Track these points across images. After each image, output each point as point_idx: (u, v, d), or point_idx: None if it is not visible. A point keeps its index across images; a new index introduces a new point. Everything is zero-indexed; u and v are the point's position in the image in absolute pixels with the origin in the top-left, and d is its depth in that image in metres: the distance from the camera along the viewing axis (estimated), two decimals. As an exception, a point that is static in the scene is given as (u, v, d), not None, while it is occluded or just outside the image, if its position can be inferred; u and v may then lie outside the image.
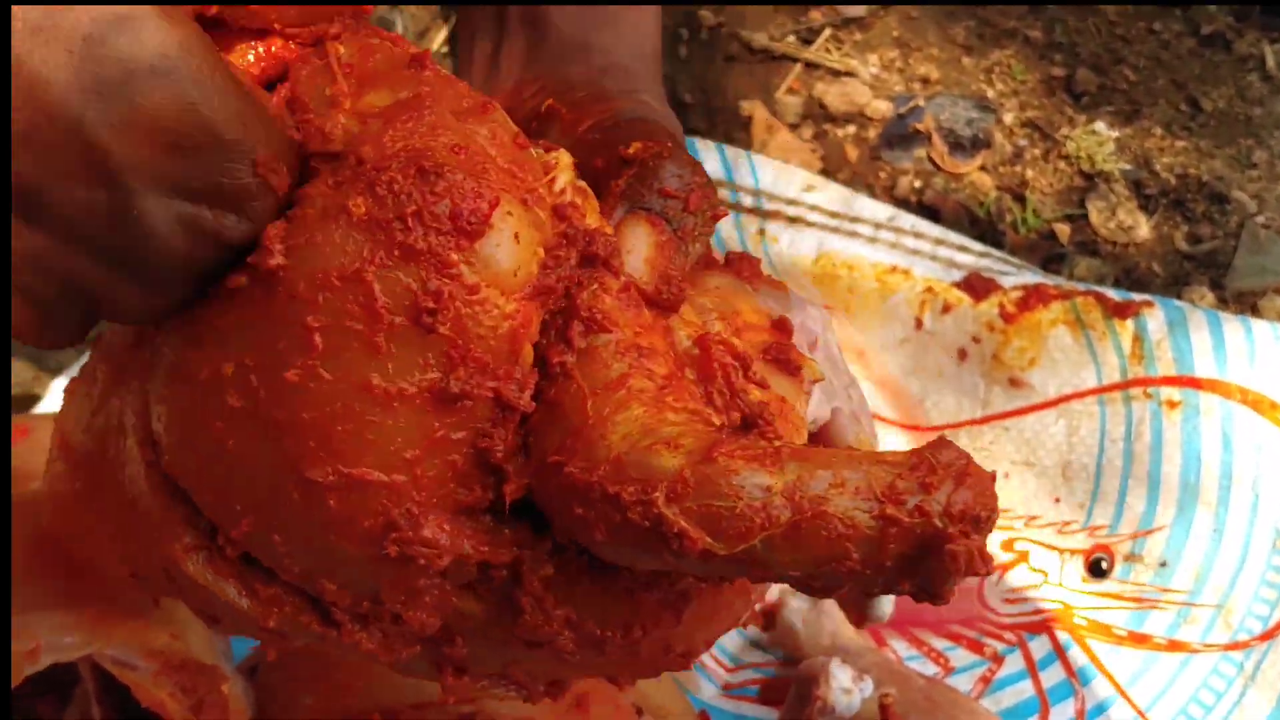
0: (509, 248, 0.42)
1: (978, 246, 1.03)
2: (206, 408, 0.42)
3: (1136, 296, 0.97)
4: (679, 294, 0.47)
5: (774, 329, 0.50)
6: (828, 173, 1.17)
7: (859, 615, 0.91)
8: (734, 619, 0.48)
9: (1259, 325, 0.96)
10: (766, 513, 0.38)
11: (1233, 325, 0.96)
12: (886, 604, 0.82)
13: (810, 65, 1.24)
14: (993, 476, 0.37)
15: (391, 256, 0.40)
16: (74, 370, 0.97)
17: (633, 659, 0.46)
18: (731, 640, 0.93)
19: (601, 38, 0.73)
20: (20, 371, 1.10)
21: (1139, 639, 0.91)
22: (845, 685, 0.80)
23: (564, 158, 0.47)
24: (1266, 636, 0.90)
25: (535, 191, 0.44)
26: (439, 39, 1.33)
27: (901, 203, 1.16)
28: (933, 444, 0.38)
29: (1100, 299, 0.97)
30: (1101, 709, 0.89)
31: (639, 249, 0.47)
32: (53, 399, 0.98)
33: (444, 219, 0.41)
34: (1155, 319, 0.96)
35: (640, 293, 0.45)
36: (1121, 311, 0.96)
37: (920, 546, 0.37)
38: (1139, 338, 0.96)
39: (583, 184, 0.48)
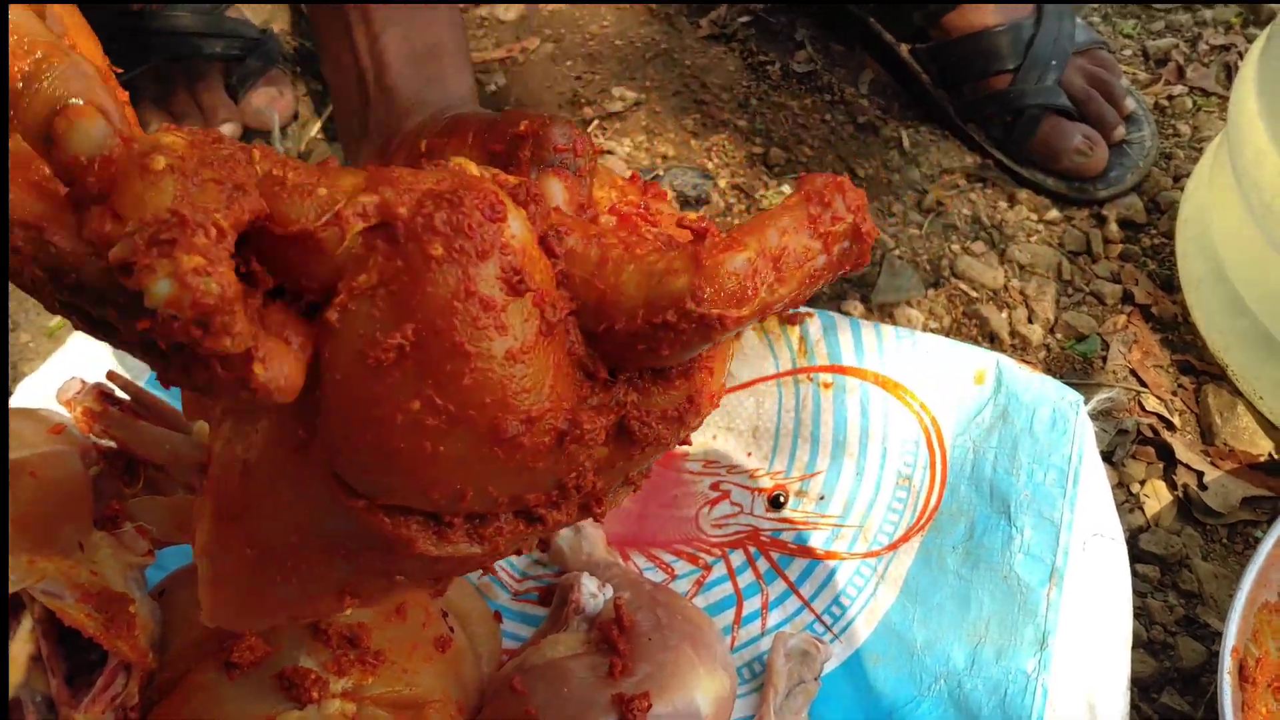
0: (520, 220, 0.42)
1: (696, 275, 1.03)
2: (408, 434, 0.42)
3: (801, 309, 0.99)
4: (593, 208, 0.51)
5: (632, 181, 0.54)
6: (593, 223, 1.17)
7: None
8: (726, 356, 0.50)
9: (885, 328, 0.98)
10: (758, 273, 0.41)
11: (868, 328, 0.98)
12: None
13: (582, 146, 1.25)
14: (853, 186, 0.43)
15: (474, 263, 0.40)
16: (41, 374, 0.95)
17: (699, 414, 0.48)
18: (520, 560, 0.93)
19: (432, 93, 0.73)
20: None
21: (805, 551, 0.93)
22: (592, 591, 0.81)
23: (468, 165, 0.47)
24: (892, 548, 0.92)
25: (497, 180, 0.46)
26: (315, 128, 1.31)
27: (646, 244, 1.17)
28: (806, 180, 0.43)
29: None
30: (780, 601, 0.90)
31: (557, 195, 0.50)
32: (20, 398, 0.95)
33: (483, 221, 0.40)
34: (814, 324, 0.98)
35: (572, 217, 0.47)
36: (791, 320, 0.98)
37: (849, 238, 0.42)
38: (803, 338, 0.98)
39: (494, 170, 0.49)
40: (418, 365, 0.41)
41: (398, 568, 0.49)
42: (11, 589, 0.65)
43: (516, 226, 0.42)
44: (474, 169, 0.46)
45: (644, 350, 0.43)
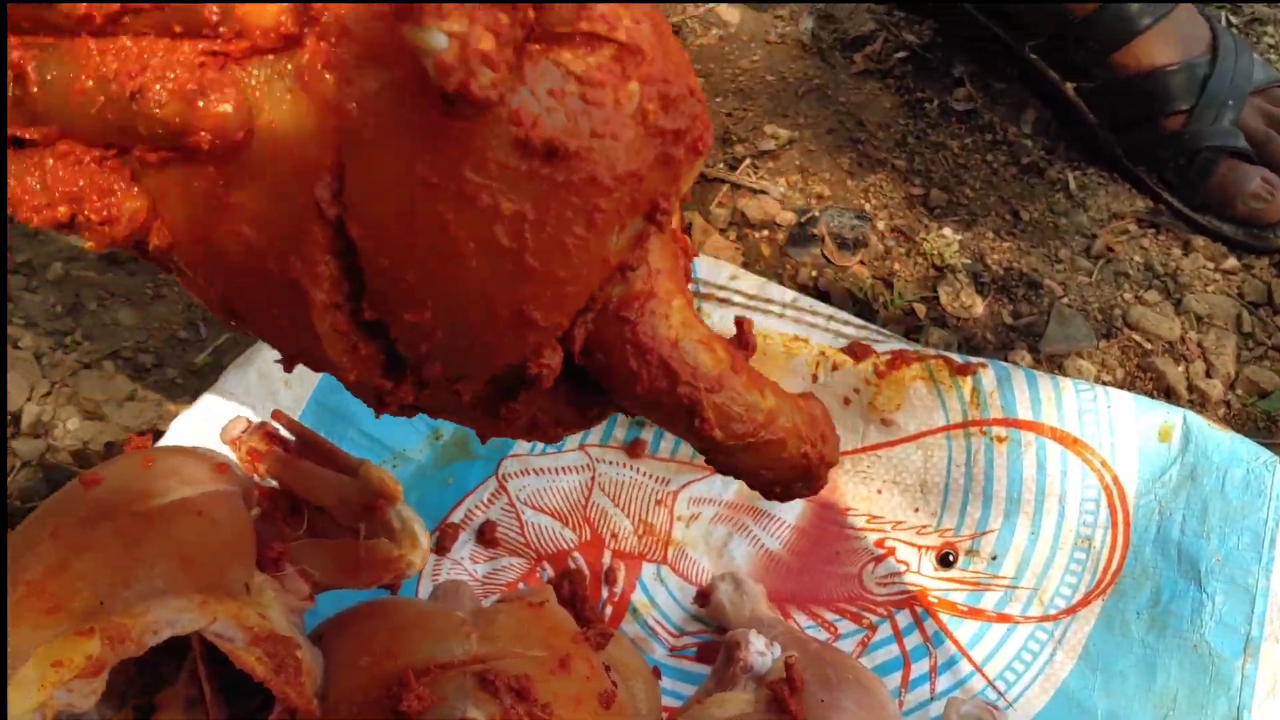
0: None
1: (858, 321, 1.03)
2: (465, 224, 0.37)
3: (974, 359, 0.97)
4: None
5: None
6: (748, 265, 1.16)
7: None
8: None
9: (1063, 380, 0.96)
10: (756, 428, 0.43)
11: (1044, 380, 0.96)
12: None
13: (735, 185, 1.24)
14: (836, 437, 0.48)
15: (658, 164, 0.38)
16: (195, 411, 0.96)
17: (538, 436, 0.47)
18: (677, 614, 0.92)
19: None
20: (150, 406, 1.09)
21: (976, 613, 0.91)
22: (760, 649, 0.80)
23: None
24: (1070, 612, 0.90)
25: None
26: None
27: (802, 288, 1.16)
28: (810, 401, 0.46)
29: (948, 361, 0.97)
30: (949, 665, 0.89)
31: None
32: (172, 436, 0.96)
33: (692, 141, 0.39)
34: (988, 376, 0.96)
35: None
36: (963, 370, 0.96)
37: (810, 475, 0.46)
38: (975, 390, 0.96)
39: None
40: (550, 182, 0.37)
41: (289, 307, 0.41)
42: (185, 630, 0.65)
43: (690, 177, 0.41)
44: None
45: (630, 368, 0.42)
